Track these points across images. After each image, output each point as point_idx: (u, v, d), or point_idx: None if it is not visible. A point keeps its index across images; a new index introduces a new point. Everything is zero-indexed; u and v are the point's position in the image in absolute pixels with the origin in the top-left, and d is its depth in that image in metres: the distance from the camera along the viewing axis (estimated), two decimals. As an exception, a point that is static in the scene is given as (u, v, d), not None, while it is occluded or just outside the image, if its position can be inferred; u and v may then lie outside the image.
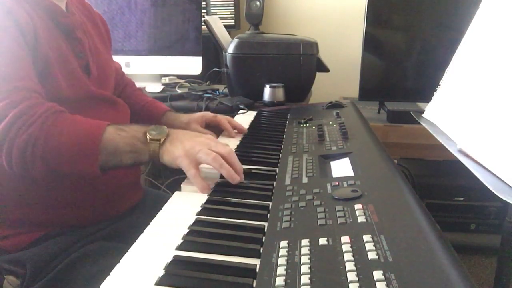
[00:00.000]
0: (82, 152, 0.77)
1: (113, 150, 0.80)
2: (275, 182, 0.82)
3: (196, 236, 0.63)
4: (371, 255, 0.50)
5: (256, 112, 1.44)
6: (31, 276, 0.84)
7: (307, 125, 1.18)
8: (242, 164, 0.93)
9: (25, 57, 0.80)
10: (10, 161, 0.75)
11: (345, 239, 0.55)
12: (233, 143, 1.11)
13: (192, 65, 1.84)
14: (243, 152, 1.02)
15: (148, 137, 0.82)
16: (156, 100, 1.30)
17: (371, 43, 1.66)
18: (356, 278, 0.47)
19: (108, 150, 0.79)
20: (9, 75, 0.77)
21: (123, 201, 1.01)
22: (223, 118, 1.22)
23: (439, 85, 1.03)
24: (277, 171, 0.88)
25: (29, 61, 0.81)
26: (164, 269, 0.55)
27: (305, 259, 0.52)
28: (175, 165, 0.82)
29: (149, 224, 0.68)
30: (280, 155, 0.98)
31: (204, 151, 0.81)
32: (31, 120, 0.75)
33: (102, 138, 0.78)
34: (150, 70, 1.89)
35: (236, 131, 1.21)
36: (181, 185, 0.85)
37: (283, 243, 0.57)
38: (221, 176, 0.83)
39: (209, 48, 1.97)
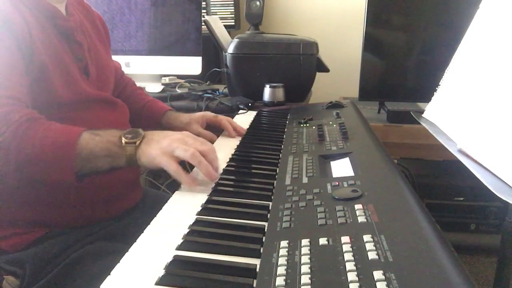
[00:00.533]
0: (56, 159, 0.76)
1: (88, 156, 0.78)
2: (275, 182, 0.82)
3: (196, 236, 0.63)
4: (371, 255, 0.50)
5: (256, 112, 1.44)
6: (31, 277, 0.84)
7: (307, 125, 1.18)
8: (242, 164, 0.93)
9: (14, 64, 0.79)
10: None
11: (345, 239, 0.55)
12: (233, 143, 1.11)
13: (192, 65, 1.84)
14: (243, 152, 1.03)
15: (123, 141, 0.80)
16: (157, 99, 1.30)
17: (371, 43, 1.66)
18: (356, 278, 0.47)
19: (83, 156, 0.77)
20: None
21: (123, 201, 1.01)
22: (223, 118, 1.22)
23: (439, 85, 1.03)
24: (277, 171, 0.88)
25: (19, 67, 0.80)
26: (164, 269, 0.55)
27: (305, 259, 0.52)
28: (153, 165, 0.80)
29: (149, 224, 0.68)
30: (280, 155, 0.98)
31: (182, 147, 0.79)
32: (3, 128, 0.73)
33: (77, 144, 0.77)
34: (150, 70, 1.89)
35: (235, 132, 1.21)
36: (191, 171, 0.86)
37: (283, 243, 0.57)
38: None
39: (209, 48, 1.97)
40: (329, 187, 0.73)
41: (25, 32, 0.82)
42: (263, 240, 0.61)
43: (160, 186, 1.90)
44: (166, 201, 0.76)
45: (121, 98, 1.19)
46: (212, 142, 1.15)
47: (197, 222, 0.68)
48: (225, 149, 1.04)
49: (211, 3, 2.21)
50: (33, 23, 0.85)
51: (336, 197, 0.68)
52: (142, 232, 0.65)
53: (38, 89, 0.83)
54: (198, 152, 0.79)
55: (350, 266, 0.49)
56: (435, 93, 1.04)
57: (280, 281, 0.49)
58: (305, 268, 0.50)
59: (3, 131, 0.73)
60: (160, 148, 0.79)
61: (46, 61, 0.85)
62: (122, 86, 1.25)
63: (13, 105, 0.76)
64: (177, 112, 1.25)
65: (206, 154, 0.81)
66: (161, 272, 0.54)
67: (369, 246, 0.52)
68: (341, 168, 0.82)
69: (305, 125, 1.18)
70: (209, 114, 1.24)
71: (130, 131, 0.82)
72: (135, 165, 0.81)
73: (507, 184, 0.68)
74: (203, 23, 1.80)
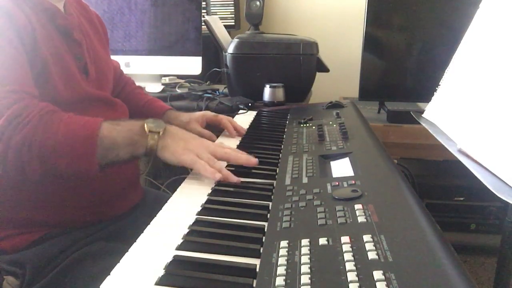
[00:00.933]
0: (79, 149, 0.76)
1: (110, 145, 0.79)
2: (275, 182, 0.82)
3: (196, 236, 0.63)
4: (371, 255, 0.50)
5: (256, 112, 1.44)
6: (31, 277, 0.84)
7: (307, 125, 1.18)
8: (243, 164, 0.93)
9: (20, 59, 0.80)
10: (4, 163, 0.74)
11: (345, 239, 0.55)
12: (233, 143, 1.11)
13: (192, 65, 1.84)
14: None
15: (146, 129, 0.81)
16: (156, 98, 1.30)
17: (371, 43, 1.66)
18: (356, 278, 0.47)
19: (105, 145, 0.78)
20: (3, 77, 0.77)
21: (123, 201, 1.01)
22: (224, 118, 1.22)
23: (439, 85, 1.03)
24: (277, 171, 0.88)
25: (25, 63, 0.81)
26: (164, 269, 0.55)
27: (305, 259, 0.52)
28: (177, 161, 0.82)
29: (149, 224, 0.68)
30: (280, 155, 0.98)
31: (206, 155, 0.84)
32: (26, 121, 0.74)
33: (99, 134, 0.78)
34: (150, 70, 1.89)
35: (235, 132, 1.21)
36: (185, 180, 0.87)
37: (283, 243, 0.57)
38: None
39: (209, 48, 1.97)
40: (329, 187, 0.73)
41: (28, 29, 0.83)
42: (263, 240, 0.61)
43: (160, 186, 1.90)
44: (166, 201, 0.76)
45: (120, 98, 1.19)
46: (212, 141, 1.15)
47: (197, 222, 0.68)
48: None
49: (211, 3, 2.21)
50: (35, 20, 0.86)
51: (336, 197, 0.68)
52: (142, 232, 0.65)
53: (39, 86, 0.83)
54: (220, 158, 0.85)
55: (350, 266, 0.49)
56: (435, 93, 1.04)
57: (280, 281, 0.49)
58: (305, 268, 0.50)
59: (26, 122, 0.74)
60: (187, 149, 0.83)
61: (47, 58, 0.86)
62: (121, 86, 1.25)
63: (29, 99, 0.77)
64: (177, 111, 1.25)
65: (232, 158, 0.87)
66: (161, 272, 0.54)
67: (369, 246, 0.52)
68: (341, 168, 0.82)
69: (305, 125, 1.18)
70: (209, 113, 1.24)
71: (153, 120, 0.83)
72: (152, 155, 0.82)
73: (507, 184, 0.68)
74: (203, 23, 1.80)
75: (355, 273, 0.48)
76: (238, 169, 0.91)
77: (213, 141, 1.15)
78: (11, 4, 0.82)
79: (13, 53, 0.79)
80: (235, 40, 1.63)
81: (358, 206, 0.63)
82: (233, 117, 1.36)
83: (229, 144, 1.10)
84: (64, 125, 0.77)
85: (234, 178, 0.82)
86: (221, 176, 0.82)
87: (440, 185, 1.78)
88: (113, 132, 0.80)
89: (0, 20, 0.80)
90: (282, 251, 0.55)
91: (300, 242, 0.56)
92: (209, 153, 0.85)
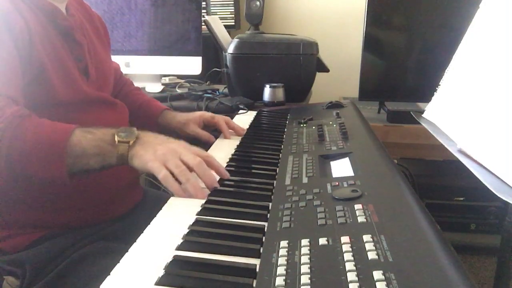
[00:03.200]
0: (48, 156, 0.75)
1: (79, 153, 0.77)
2: (275, 182, 0.82)
3: (196, 236, 0.63)
4: (371, 255, 0.50)
5: (256, 112, 1.44)
6: (31, 277, 0.84)
7: (307, 125, 1.18)
8: (242, 164, 0.93)
9: (11, 63, 0.79)
10: None
11: (345, 239, 0.55)
12: (233, 143, 1.11)
13: (192, 65, 1.84)
14: (243, 152, 1.03)
15: (116, 139, 0.79)
16: (153, 99, 1.29)
17: (371, 43, 1.66)
18: (356, 278, 0.47)
19: (75, 153, 0.76)
20: None
21: (123, 201, 1.01)
22: (221, 119, 1.20)
23: (439, 85, 1.03)
24: (277, 171, 0.88)
25: (16, 67, 0.79)
26: (164, 269, 0.54)
27: (305, 259, 0.52)
28: (145, 169, 0.79)
29: (149, 224, 0.68)
30: (280, 155, 0.98)
31: (174, 162, 0.78)
32: None
33: (69, 141, 0.76)
34: (150, 70, 1.89)
35: (232, 131, 1.20)
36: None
37: (283, 243, 0.57)
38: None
39: (209, 48, 1.97)
40: (329, 187, 0.73)
41: (24, 31, 0.82)
42: (263, 240, 0.61)
43: (160, 186, 1.89)
44: (166, 201, 0.76)
45: (118, 98, 1.19)
46: (210, 142, 1.15)
47: (197, 222, 0.68)
48: (225, 149, 1.04)
49: (211, 3, 2.21)
50: (33, 22, 0.85)
51: (336, 197, 0.68)
52: (142, 232, 0.65)
53: (37, 89, 0.83)
54: (191, 166, 0.78)
55: (350, 266, 0.49)
56: (435, 93, 1.04)
57: (280, 281, 0.49)
58: (305, 268, 0.50)
59: None
60: (154, 154, 0.78)
61: (45, 61, 0.85)
62: (120, 86, 1.25)
63: (4, 102, 0.75)
64: (174, 112, 1.24)
65: (197, 169, 0.79)
66: (161, 272, 0.54)
67: (369, 246, 0.52)
68: (341, 168, 0.82)
69: (305, 125, 1.18)
70: (206, 114, 1.23)
71: (124, 129, 0.81)
72: (125, 165, 0.80)
73: (507, 184, 0.68)
74: (203, 23, 1.80)
75: (355, 273, 0.48)
76: (238, 169, 0.91)
77: (212, 142, 1.14)
78: (8, 6, 0.82)
79: (2, 55, 0.78)
80: (235, 40, 1.63)
81: (358, 206, 0.63)
82: (232, 117, 1.36)
83: (229, 144, 1.10)
84: (33, 131, 0.75)
85: (200, 195, 0.77)
86: (183, 194, 0.77)
87: (440, 185, 1.78)
88: (82, 141, 0.77)
89: None
90: (282, 251, 0.55)
91: (300, 242, 0.56)
92: (179, 160, 0.79)
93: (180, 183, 0.78)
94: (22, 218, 0.89)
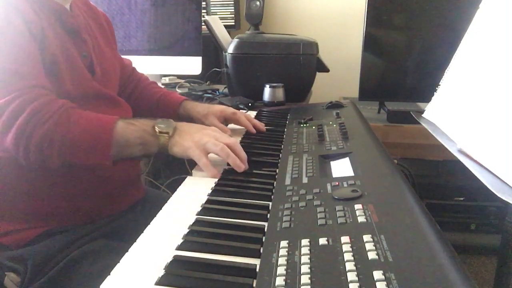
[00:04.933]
0: (96, 145, 0.82)
1: (124, 143, 0.84)
2: (275, 182, 0.82)
3: (196, 236, 0.63)
4: (371, 255, 0.50)
5: (256, 112, 1.44)
6: (32, 274, 0.85)
7: (307, 125, 1.18)
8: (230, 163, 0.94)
9: (35, 55, 0.83)
10: (27, 155, 0.79)
11: (345, 239, 0.55)
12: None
13: (192, 65, 1.84)
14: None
15: (157, 130, 0.86)
16: (171, 91, 1.29)
17: (371, 43, 1.66)
18: (356, 278, 0.47)
19: (120, 142, 0.84)
20: (23, 72, 0.80)
21: (124, 198, 1.01)
22: (242, 116, 1.18)
23: (439, 85, 1.03)
24: (277, 171, 0.88)
25: (38, 59, 0.84)
26: (164, 269, 0.55)
27: (305, 259, 0.52)
28: (186, 155, 0.87)
29: (149, 223, 0.68)
30: (280, 155, 0.98)
31: (212, 141, 0.86)
32: (47, 116, 0.78)
33: (114, 132, 0.83)
34: (150, 70, 1.88)
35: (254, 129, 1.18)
36: (192, 171, 0.92)
37: (283, 243, 0.57)
38: (228, 164, 0.89)
39: (209, 48, 1.97)
40: (329, 187, 0.73)
41: (37, 25, 0.85)
42: (263, 240, 0.61)
43: (160, 186, 1.90)
44: (166, 201, 0.76)
45: (134, 94, 1.21)
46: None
47: (197, 222, 0.68)
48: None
49: (211, 3, 2.21)
50: (43, 18, 0.88)
51: (336, 197, 0.68)
52: (142, 231, 0.65)
53: (48, 81, 0.85)
54: (226, 146, 0.86)
55: (350, 266, 0.49)
56: (435, 93, 1.04)
57: (280, 281, 0.49)
58: (305, 268, 0.50)
59: (47, 117, 0.78)
60: (193, 141, 0.87)
61: (57, 54, 0.88)
62: (134, 82, 1.25)
63: (48, 95, 0.82)
64: (194, 102, 1.23)
65: (233, 147, 0.88)
66: (161, 272, 0.54)
67: (369, 246, 0.52)
68: (341, 168, 0.82)
69: (305, 125, 1.18)
70: (228, 110, 1.19)
71: (162, 121, 0.89)
72: (165, 153, 0.87)
73: (507, 184, 0.68)
74: (203, 23, 1.80)
75: (355, 273, 0.48)
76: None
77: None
78: (23, 3, 0.85)
79: (28, 49, 0.82)
80: (235, 40, 1.63)
81: (358, 206, 0.63)
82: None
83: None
84: (82, 122, 0.82)
85: (243, 166, 0.86)
86: (219, 176, 0.86)
87: (440, 185, 1.78)
88: (127, 131, 0.85)
89: (13, 16, 0.82)
90: (282, 251, 0.55)
91: (300, 242, 0.56)
92: (216, 140, 0.87)
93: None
94: (24, 213, 0.89)
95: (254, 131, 1.17)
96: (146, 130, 0.86)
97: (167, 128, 0.87)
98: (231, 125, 1.21)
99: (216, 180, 0.85)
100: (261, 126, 1.19)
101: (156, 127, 0.87)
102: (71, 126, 0.81)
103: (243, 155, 0.89)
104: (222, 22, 1.98)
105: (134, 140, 0.85)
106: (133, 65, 1.32)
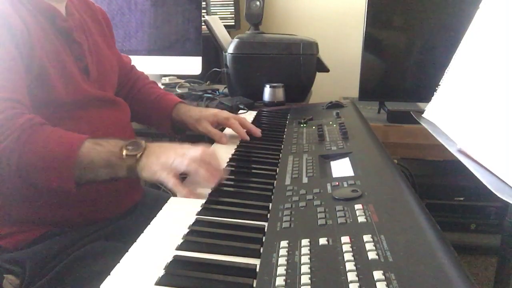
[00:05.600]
0: (56, 167, 0.76)
1: (88, 165, 0.78)
2: (275, 182, 0.82)
3: (196, 236, 0.63)
4: (371, 255, 0.50)
5: (256, 112, 1.44)
6: (31, 276, 0.84)
7: (307, 125, 1.18)
8: (242, 164, 0.93)
9: (14, 65, 0.79)
10: None
11: (345, 239, 0.55)
12: (233, 143, 1.11)
13: (192, 65, 1.84)
14: (243, 152, 1.03)
15: (124, 153, 0.79)
16: (169, 92, 1.27)
17: (371, 43, 1.66)
18: (356, 278, 0.47)
19: (83, 164, 0.77)
20: None
21: (123, 200, 1.01)
22: (235, 123, 1.13)
23: (439, 85, 1.03)
24: (277, 171, 0.88)
25: (20, 69, 0.80)
26: (164, 269, 0.55)
27: (305, 259, 0.52)
28: (155, 179, 0.80)
29: (149, 224, 0.68)
30: (280, 155, 0.98)
31: (178, 160, 0.79)
32: (7, 133, 0.73)
33: (78, 153, 0.76)
34: (150, 70, 1.87)
35: (245, 131, 1.13)
36: (185, 180, 0.85)
37: (283, 243, 0.57)
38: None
39: (209, 48, 1.97)
40: (329, 187, 0.73)
41: (24, 33, 0.82)
42: (263, 240, 0.61)
43: (160, 186, 1.89)
44: (166, 201, 0.76)
45: (131, 93, 1.19)
46: (222, 142, 1.10)
47: (197, 222, 0.68)
48: (225, 149, 1.04)
49: (211, 3, 2.21)
50: (32, 23, 0.86)
51: (336, 197, 0.68)
52: (142, 232, 0.65)
53: (37, 89, 0.83)
54: (195, 159, 0.79)
55: (350, 266, 0.49)
56: (435, 93, 1.04)
57: (280, 281, 0.49)
58: (305, 268, 0.50)
59: (6, 135, 0.73)
60: (159, 163, 0.79)
61: (45, 61, 0.86)
62: (132, 80, 1.24)
63: (15, 108, 0.76)
64: (188, 106, 1.20)
65: (204, 159, 0.80)
66: (161, 272, 0.54)
67: (369, 246, 0.52)
68: (341, 168, 0.82)
69: (305, 125, 1.18)
70: (221, 114, 1.15)
71: (132, 142, 0.82)
72: (135, 177, 0.81)
73: (507, 184, 0.68)
74: (203, 23, 1.80)
75: (355, 273, 0.48)
76: (238, 169, 0.91)
77: (224, 142, 1.10)
78: (7, 8, 0.82)
79: (6, 59, 0.78)
80: (235, 40, 1.63)
81: (358, 206, 0.63)
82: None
83: (230, 144, 1.09)
84: (44, 141, 0.76)
85: (214, 179, 0.79)
86: (196, 195, 0.79)
87: (440, 185, 1.78)
88: (92, 153, 0.78)
89: None
90: (282, 251, 0.55)
91: (300, 242, 0.56)
92: (184, 158, 0.79)
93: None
94: (23, 215, 0.89)
95: (247, 137, 1.11)
96: (113, 151, 0.79)
97: (134, 150, 0.80)
98: (228, 129, 1.16)
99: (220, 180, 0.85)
100: (257, 131, 1.14)
101: (123, 150, 0.80)
102: (32, 145, 0.74)
103: (216, 163, 0.82)
104: (222, 22, 1.98)
105: (99, 163, 0.78)
106: (133, 64, 1.31)
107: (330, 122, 1.16)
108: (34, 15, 0.87)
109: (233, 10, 2.22)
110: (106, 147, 0.80)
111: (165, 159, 0.79)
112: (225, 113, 1.15)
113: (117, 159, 0.79)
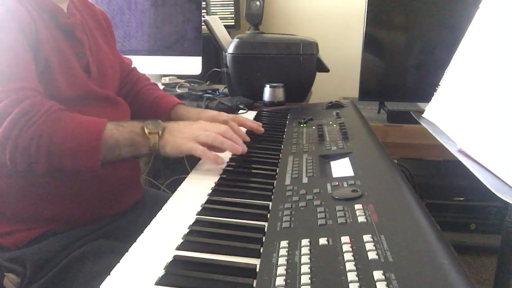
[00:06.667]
0: (84, 148, 0.80)
1: (113, 145, 0.83)
2: (275, 182, 0.82)
3: (196, 236, 0.63)
4: (371, 255, 0.50)
5: (256, 112, 1.44)
6: (31, 275, 0.85)
7: (307, 125, 1.18)
8: (242, 164, 0.93)
9: (26, 57, 0.81)
10: (14, 158, 0.76)
11: (345, 239, 0.55)
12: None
13: (192, 65, 1.84)
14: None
15: (146, 131, 0.85)
16: (168, 94, 1.27)
17: (371, 43, 1.66)
18: (356, 278, 0.47)
19: (109, 145, 0.82)
20: (11, 74, 0.78)
21: (123, 198, 1.01)
22: (234, 125, 1.08)
23: (439, 85, 1.03)
24: (277, 171, 0.88)
25: (31, 61, 0.82)
26: (164, 269, 0.55)
27: (305, 259, 0.52)
28: (179, 152, 0.86)
29: (149, 223, 0.68)
30: (280, 155, 0.98)
31: (203, 134, 0.87)
32: (35, 118, 0.76)
33: (103, 134, 0.81)
34: (150, 70, 1.88)
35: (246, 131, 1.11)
36: (196, 166, 0.93)
37: (283, 243, 0.57)
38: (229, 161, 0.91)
39: (209, 48, 1.97)
40: (329, 187, 0.73)
41: (31, 26, 0.84)
42: (263, 240, 0.61)
43: (160, 186, 1.90)
44: (166, 201, 0.76)
45: (131, 94, 1.20)
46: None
47: (197, 222, 0.68)
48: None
49: (211, 3, 2.21)
50: (38, 20, 0.87)
51: (336, 197, 0.68)
52: (142, 231, 0.65)
53: (41, 82, 0.85)
54: (218, 134, 0.88)
55: (350, 266, 0.49)
56: (435, 93, 1.04)
57: (280, 281, 0.49)
58: (305, 268, 0.50)
59: (34, 120, 0.76)
60: (184, 136, 0.87)
61: (50, 55, 0.87)
62: (133, 81, 1.24)
63: (36, 97, 0.79)
64: (186, 107, 1.20)
65: (226, 134, 0.89)
66: (161, 272, 0.54)
67: (369, 246, 0.52)
68: (341, 168, 0.82)
69: (305, 125, 1.18)
70: (220, 117, 1.10)
71: (151, 122, 0.87)
72: (156, 153, 0.87)
73: (507, 184, 0.68)
74: (203, 23, 1.80)
75: (355, 273, 0.48)
76: (238, 169, 0.91)
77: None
78: (16, 4, 0.84)
79: (19, 50, 0.81)
80: (235, 40, 1.63)
81: (358, 206, 0.63)
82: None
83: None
84: (70, 124, 0.80)
85: (241, 149, 0.89)
86: (222, 160, 0.88)
87: (440, 185, 1.78)
88: (115, 133, 0.83)
89: (6, 18, 0.81)
90: (282, 251, 0.55)
91: (300, 242, 0.56)
92: (208, 131, 0.88)
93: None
94: (24, 214, 0.89)
95: (247, 138, 1.03)
96: (135, 131, 0.85)
97: (156, 128, 0.86)
98: None
99: (216, 179, 0.85)
100: (259, 128, 1.13)
101: (145, 128, 0.86)
102: (59, 129, 0.78)
103: (237, 138, 0.90)
104: (222, 22, 1.98)
105: (123, 142, 0.84)
106: (134, 65, 1.31)
107: (330, 122, 1.16)
108: (38, 12, 0.88)
109: (233, 10, 2.22)
110: (128, 128, 0.85)
111: (189, 133, 0.88)
112: (224, 116, 1.13)
113: (140, 137, 0.85)
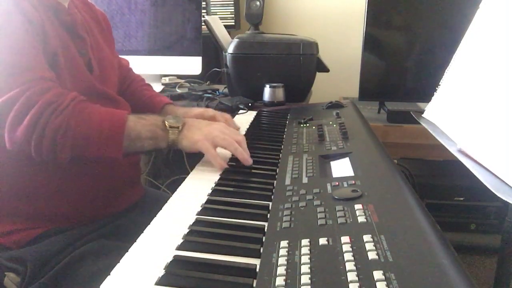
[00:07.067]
0: (108, 138, 0.83)
1: (135, 137, 0.86)
2: (275, 182, 0.82)
3: (196, 236, 0.63)
4: (371, 255, 0.50)
5: (256, 112, 1.44)
6: (32, 274, 0.85)
7: (307, 125, 1.18)
8: (242, 164, 0.93)
9: (38, 49, 0.83)
10: (39, 146, 0.78)
11: (345, 239, 0.55)
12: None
13: (192, 65, 1.84)
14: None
15: (167, 125, 0.89)
16: (159, 94, 1.29)
17: (371, 43, 1.66)
18: (356, 278, 0.47)
19: (131, 136, 0.85)
20: (30, 65, 0.80)
21: (124, 198, 1.02)
22: (221, 120, 1.15)
23: (439, 85, 1.03)
24: (277, 171, 0.88)
25: (42, 54, 0.84)
26: (164, 269, 0.55)
27: (305, 259, 0.52)
28: (194, 148, 0.90)
29: (149, 223, 0.68)
30: (280, 155, 0.98)
31: (221, 136, 0.90)
32: (61, 108, 0.79)
33: (126, 125, 0.84)
34: (150, 70, 1.88)
35: None
36: (196, 166, 0.95)
37: (283, 243, 0.57)
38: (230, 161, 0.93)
39: (209, 48, 1.97)
40: (329, 187, 0.73)
41: (39, 20, 0.85)
42: (263, 240, 0.61)
43: (160, 186, 1.90)
44: (166, 201, 0.76)
45: (126, 95, 1.20)
46: None
47: (197, 222, 0.68)
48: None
49: (211, 3, 2.21)
50: (43, 15, 0.88)
51: (336, 197, 0.68)
52: (142, 231, 0.65)
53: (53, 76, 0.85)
54: (234, 140, 0.90)
55: (350, 266, 0.49)
56: (435, 93, 1.04)
57: (280, 281, 0.49)
58: (305, 268, 0.50)
59: (60, 110, 0.79)
60: (203, 134, 0.90)
61: (57, 51, 0.88)
62: (128, 83, 1.25)
63: (57, 87, 0.82)
64: (175, 106, 1.23)
65: (241, 144, 0.91)
66: (161, 272, 0.54)
67: (369, 246, 0.52)
68: (341, 168, 0.82)
69: (305, 125, 1.18)
70: (206, 114, 1.18)
71: (172, 116, 0.92)
72: (174, 148, 0.91)
73: (507, 184, 0.68)
74: (203, 23, 1.80)
75: (355, 273, 0.48)
76: (238, 169, 0.91)
77: None
78: (24, 1, 0.84)
79: (31, 43, 0.82)
80: (235, 40, 1.63)
81: (358, 206, 0.63)
82: (233, 117, 1.35)
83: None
84: (95, 115, 0.83)
85: (248, 161, 0.90)
86: (224, 167, 0.90)
87: (440, 185, 1.78)
88: (138, 125, 0.87)
89: (15, 13, 0.82)
90: (282, 251, 0.55)
91: (300, 242, 0.56)
92: (225, 135, 0.91)
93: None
94: (24, 212, 0.89)
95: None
96: (157, 124, 0.89)
97: (176, 123, 0.90)
98: (237, 118, 1.21)
99: (216, 180, 0.85)
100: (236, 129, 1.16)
101: (166, 122, 0.89)
102: (85, 119, 0.81)
103: (248, 152, 0.92)
104: (222, 22, 1.98)
105: (145, 134, 0.87)
106: (131, 66, 1.32)
107: (330, 122, 1.16)
108: (43, 9, 0.89)
109: (233, 10, 2.22)
110: (149, 120, 0.89)
111: (208, 131, 0.91)
112: (210, 111, 1.20)
113: (161, 131, 0.89)
